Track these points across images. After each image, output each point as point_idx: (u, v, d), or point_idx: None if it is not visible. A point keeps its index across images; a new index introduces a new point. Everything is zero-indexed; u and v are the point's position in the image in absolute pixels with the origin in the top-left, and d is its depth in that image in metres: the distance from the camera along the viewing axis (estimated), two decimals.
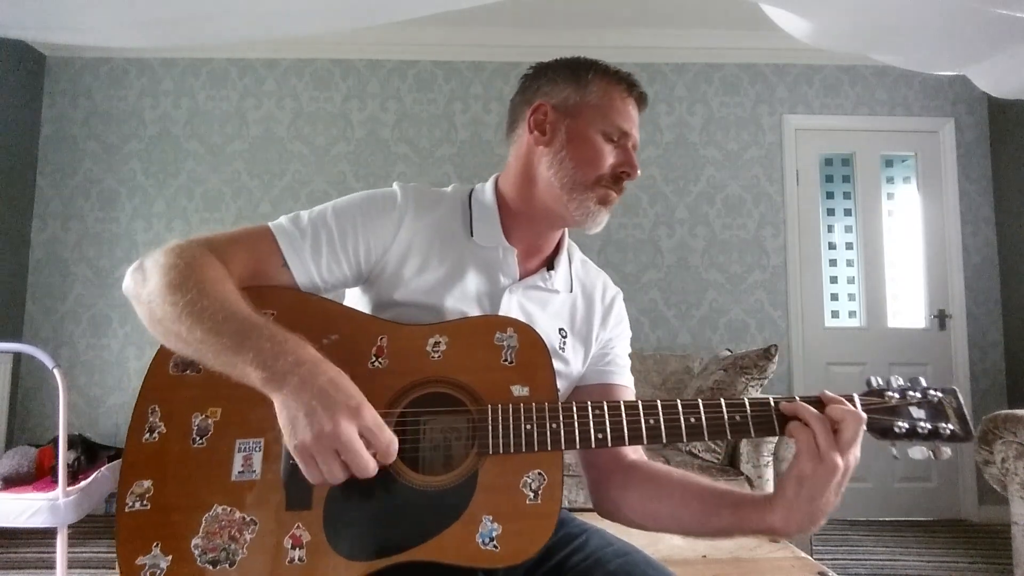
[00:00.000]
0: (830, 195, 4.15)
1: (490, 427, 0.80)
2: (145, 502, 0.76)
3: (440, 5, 2.88)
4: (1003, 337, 3.67)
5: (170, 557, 0.74)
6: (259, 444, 0.79)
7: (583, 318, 1.04)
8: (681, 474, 0.93)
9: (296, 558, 0.75)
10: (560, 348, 0.98)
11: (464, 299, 0.94)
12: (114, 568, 0.73)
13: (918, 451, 0.82)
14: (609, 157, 0.94)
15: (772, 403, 0.82)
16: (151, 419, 0.80)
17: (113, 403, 3.59)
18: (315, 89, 3.82)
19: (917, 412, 0.83)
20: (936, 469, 3.58)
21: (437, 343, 0.85)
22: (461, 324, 0.88)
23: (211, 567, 0.74)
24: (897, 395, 0.84)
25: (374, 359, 0.84)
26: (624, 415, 0.83)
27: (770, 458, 2.54)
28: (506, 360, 0.85)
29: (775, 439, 2.54)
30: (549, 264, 1.02)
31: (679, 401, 0.83)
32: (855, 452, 0.77)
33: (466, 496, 0.78)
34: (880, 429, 0.82)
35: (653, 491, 0.92)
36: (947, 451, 0.82)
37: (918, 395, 0.84)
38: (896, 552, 3.00)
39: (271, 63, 3.81)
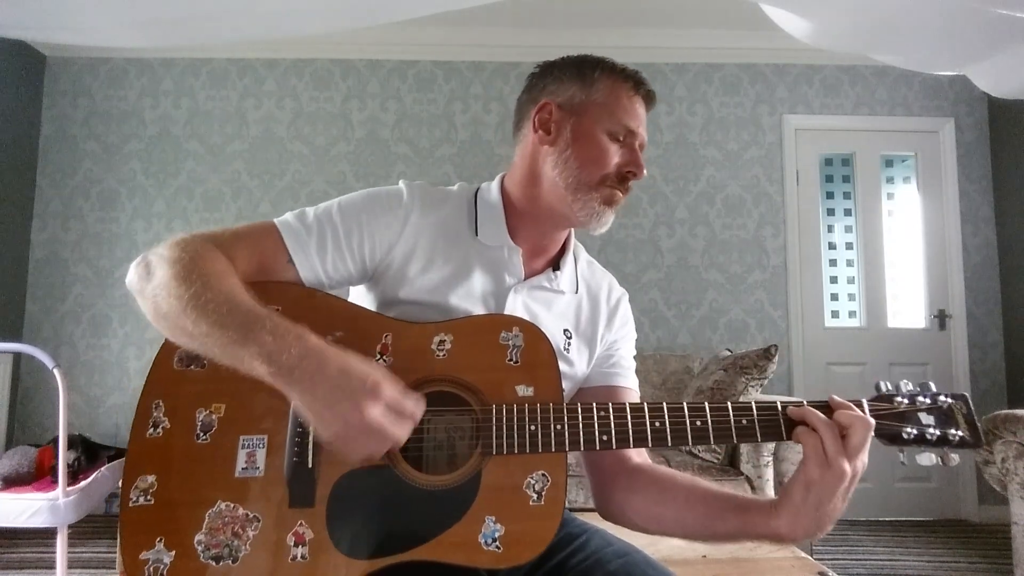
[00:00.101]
0: (830, 195, 4.15)
1: (494, 427, 0.80)
2: (149, 497, 0.76)
3: (440, 5, 2.88)
4: (1003, 337, 3.67)
5: (173, 552, 0.74)
6: (263, 441, 0.79)
7: (588, 319, 1.03)
8: (686, 478, 0.92)
9: (298, 555, 0.75)
10: (565, 349, 0.98)
11: (469, 298, 0.93)
12: (114, 568, 0.73)
13: (926, 457, 0.81)
14: (615, 157, 0.93)
15: (780, 407, 0.81)
16: (155, 414, 0.80)
17: (113, 403, 3.59)
18: (315, 89, 3.82)
19: (926, 418, 0.82)
20: (936, 469, 3.57)
21: (442, 341, 0.85)
22: (466, 323, 0.87)
23: (214, 563, 0.74)
24: (906, 401, 0.83)
25: (379, 357, 0.84)
26: (629, 417, 0.82)
27: (770, 458, 2.53)
28: (511, 360, 0.84)
29: None
30: (555, 264, 1.02)
31: (685, 404, 0.82)
32: (863, 458, 0.76)
33: (469, 496, 0.78)
34: (888, 435, 0.82)
35: (658, 495, 0.91)
36: (955, 458, 0.81)
37: (928, 401, 0.83)
38: (896, 552, 3.00)
39: (271, 63, 3.81)
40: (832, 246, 4.09)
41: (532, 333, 0.86)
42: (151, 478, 0.77)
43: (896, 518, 3.50)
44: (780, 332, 3.68)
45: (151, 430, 0.79)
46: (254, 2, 2.61)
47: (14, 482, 2.41)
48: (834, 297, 4.05)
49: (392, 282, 0.93)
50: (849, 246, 4.05)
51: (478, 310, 0.93)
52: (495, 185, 1.02)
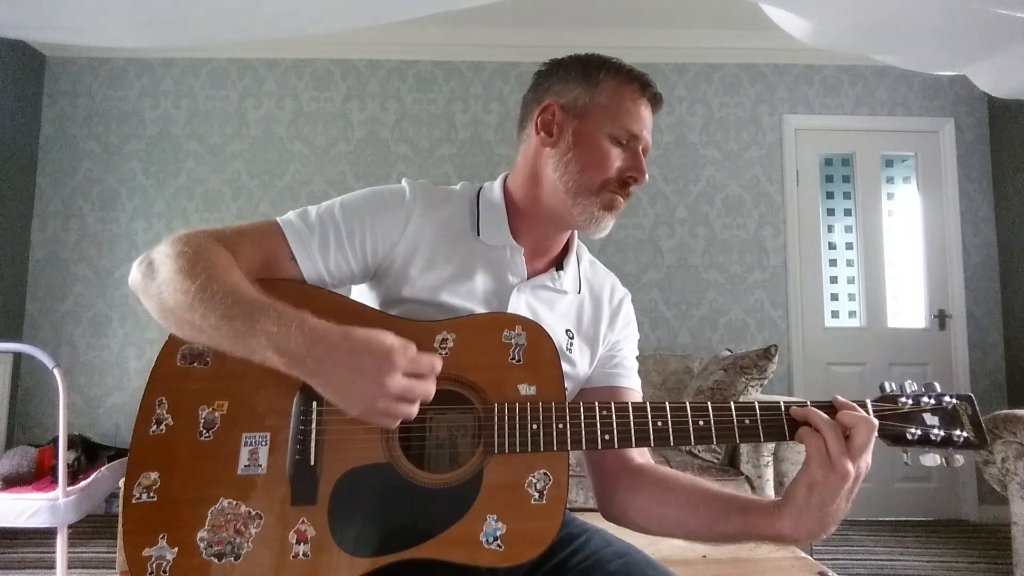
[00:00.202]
0: (830, 195, 4.15)
1: (496, 426, 0.80)
2: (152, 494, 0.76)
3: (440, 5, 2.88)
4: (1003, 337, 3.67)
5: (176, 549, 0.74)
6: (265, 438, 0.79)
7: (590, 319, 1.03)
8: (688, 479, 0.92)
9: (300, 553, 0.75)
10: (567, 349, 0.97)
11: (471, 298, 0.93)
12: (114, 568, 0.73)
13: (930, 458, 0.81)
14: (616, 161, 0.92)
15: (783, 408, 0.81)
16: (158, 411, 0.80)
17: (113, 403, 3.59)
18: (315, 89, 3.82)
19: (930, 419, 0.81)
20: (936, 469, 3.57)
21: (445, 340, 0.85)
22: (469, 321, 0.87)
23: (216, 560, 0.74)
24: (910, 401, 0.83)
25: None
26: (632, 417, 0.82)
27: (770, 458, 2.53)
28: (514, 358, 0.84)
29: None
30: (558, 264, 1.01)
31: (688, 403, 0.82)
32: (867, 459, 0.76)
33: (471, 495, 0.78)
34: (892, 436, 0.81)
35: (660, 496, 0.91)
36: (960, 458, 0.80)
37: (932, 401, 0.82)
38: (896, 552, 3.00)
39: (271, 63, 3.81)
40: (832, 246, 4.09)
41: (535, 332, 0.86)
42: (154, 475, 0.77)
43: (896, 518, 3.50)
44: (780, 332, 3.68)
45: (154, 427, 0.79)
46: (254, 2, 2.61)
47: (14, 482, 2.41)
48: (834, 297, 4.05)
49: (394, 281, 0.93)
50: (849, 246, 4.05)
51: (480, 310, 0.93)
52: (497, 185, 1.02)
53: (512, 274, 0.96)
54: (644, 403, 0.83)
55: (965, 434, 0.80)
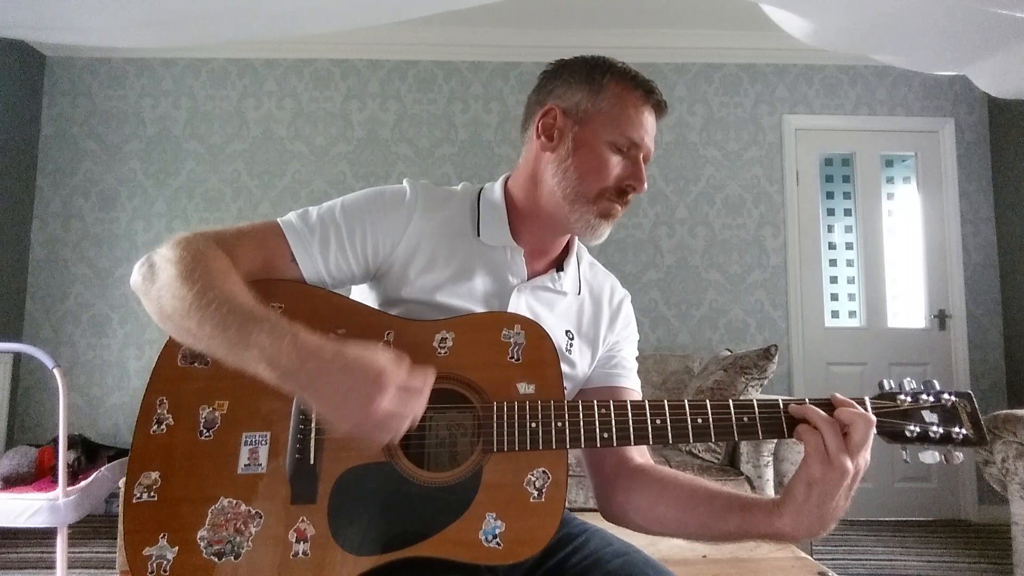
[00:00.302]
0: (830, 195, 4.16)
1: (495, 424, 0.80)
2: (152, 493, 0.77)
3: (440, 5, 2.88)
4: (1003, 337, 3.67)
5: (176, 548, 0.74)
6: (265, 437, 0.79)
7: (590, 320, 1.03)
8: (688, 478, 0.92)
9: (300, 552, 0.75)
10: (567, 350, 0.97)
11: (471, 298, 0.93)
12: (114, 568, 0.73)
13: (929, 455, 0.81)
14: (615, 169, 0.92)
15: (781, 405, 0.81)
16: (159, 411, 0.80)
17: (113, 403, 3.59)
18: (315, 89, 3.82)
19: (929, 416, 0.81)
20: (936, 469, 3.58)
21: (444, 339, 0.85)
22: (468, 320, 0.88)
23: (216, 559, 0.74)
24: (909, 398, 0.83)
25: None
26: (630, 415, 0.82)
27: (770, 458, 2.53)
28: (512, 357, 0.84)
29: (775, 439, 2.54)
30: (558, 266, 1.01)
31: (686, 401, 0.82)
32: (865, 456, 0.76)
33: (470, 493, 0.78)
34: (891, 433, 0.81)
35: (659, 495, 0.91)
36: (959, 456, 0.80)
37: (931, 399, 0.82)
38: (896, 552, 3.00)
39: (271, 63, 3.81)
40: (832, 246, 4.09)
41: (534, 331, 0.86)
42: (154, 475, 0.77)
43: (896, 518, 3.50)
44: (780, 332, 3.68)
45: (155, 427, 0.79)
46: (254, 2, 2.61)
47: (14, 482, 2.41)
48: (834, 297, 4.05)
49: (394, 281, 0.93)
50: (849, 246, 4.05)
51: (480, 310, 0.93)
52: (498, 186, 1.02)
53: (512, 275, 0.96)
54: (643, 401, 0.83)
55: (964, 431, 0.80)
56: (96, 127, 3.75)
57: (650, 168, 3.81)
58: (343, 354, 0.72)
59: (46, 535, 2.71)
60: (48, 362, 2.16)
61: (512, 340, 0.85)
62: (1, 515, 2.16)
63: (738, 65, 3.85)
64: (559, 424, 0.81)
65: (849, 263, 4.05)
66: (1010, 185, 3.66)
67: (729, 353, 2.98)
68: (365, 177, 3.75)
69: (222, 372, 0.77)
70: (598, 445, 0.81)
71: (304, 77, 3.82)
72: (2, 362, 3.38)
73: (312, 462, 0.78)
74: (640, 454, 0.99)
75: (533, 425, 0.80)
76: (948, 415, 0.81)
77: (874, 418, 0.77)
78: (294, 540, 0.75)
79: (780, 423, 0.81)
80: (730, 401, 0.82)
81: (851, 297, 4.04)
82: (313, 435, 0.78)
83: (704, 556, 1.43)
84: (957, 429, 0.81)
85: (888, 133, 3.84)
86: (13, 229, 3.56)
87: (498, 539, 0.76)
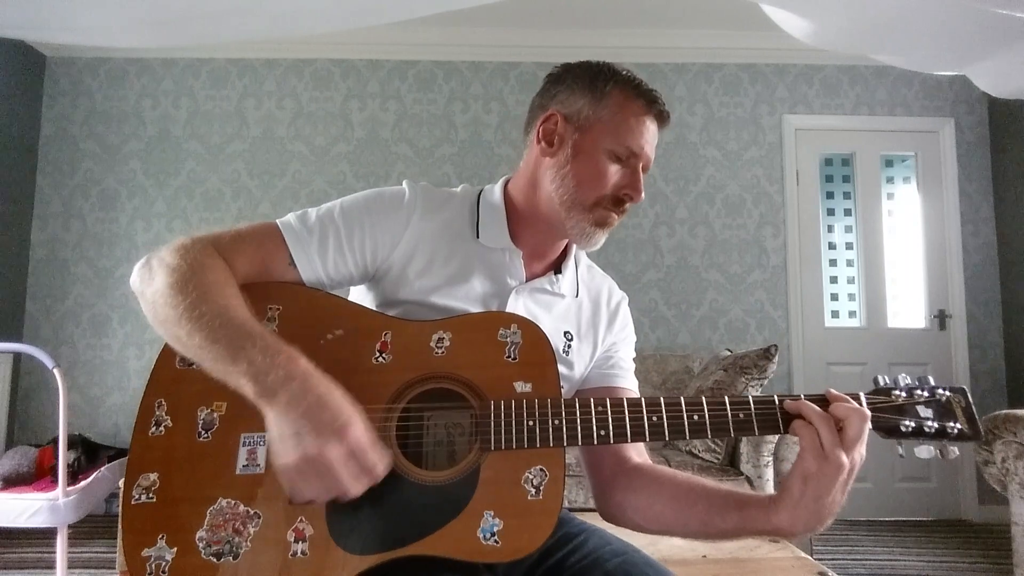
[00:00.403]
0: (830, 195, 4.16)
1: (492, 423, 0.80)
2: (151, 495, 0.77)
3: (440, 5, 2.88)
4: (1003, 337, 3.67)
5: (175, 549, 0.74)
6: (263, 438, 0.79)
7: (588, 322, 1.03)
8: (686, 476, 0.93)
9: (299, 551, 0.75)
10: (564, 351, 0.98)
11: (470, 300, 0.93)
12: (114, 568, 0.73)
13: (925, 450, 0.81)
14: (613, 178, 0.92)
15: (776, 401, 0.82)
16: (157, 412, 0.80)
17: (113, 403, 3.59)
18: (315, 89, 3.82)
19: (924, 411, 0.82)
20: (936, 469, 3.58)
21: (441, 339, 0.85)
22: (465, 320, 0.88)
23: (215, 559, 0.74)
24: (904, 394, 0.83)
25: (378, 354, 0.84)
26: (627, 412, 0.82)
27: (770, 458, 2.54)
28: (509, 356, 0.85)
29: (775, 439, 2.54)
30: (556, 268, 1.02)
31: (682, 398, 0.83)
32: (860, 450, 0.76)
33: (468, 491, 0.78)
34: (886, 428, 0.82)
35: (657, 494, 0.91)
36: (954, 450, 0.81)
37: (925, 394, 0.83)
38: (896, 552, 3.00)
39: (271, 63, 3.81)
40: (832, 246, 4.09)
41: (530, 330, 0.86)
42: (153, 476, 0.78)
43: (896, 518, 3.50)
44: (780, 332, 3.68)
45: (153, 428, 0.80)
46: (254, 2, 2.61)
47: (14, 482, 2.42)
48: (834, 297, 4.05)
49: (393, 282, 0.93)
50: (849, 246, 4.05)
51: (479, 311, 0.93)
52: (498, 188, 1.02)
53: (511, 277, 0.96)
54: (639, 398, 0.84)
55: (959, 426, 0.81)
56: (96, 127, 3.75)
57: (650, 168, 3.79)
58: (329, 389, 0.72)
59: (46, 535, 2.71)
60: (48, 362, 2.16)
61: (509, 339, 0.85)
62: (1, 515, 2.16)
63: (738, 65, 3.85)
64: (556, 422, 0.81)
65: (849, 263, 4.05)
66: (1010, 185, 3.66)
67: (729, 353, 2.98)
68: (365, 177, 3.75)
69: None
70: (595, 442, 0.81)
71: (304, 77, 3.82)
72: (2, 362, 3.39)
73: None
74: (638, 453, 0.99)
75: (530, 423, 0.80)
76: (943, 410, 0.82)
77: (868, 413, 0.77)
78: (293, 540, 0.75)
79: (776, 419, 0.81)
80: (726, 398, 0.83)
81: (851, 297, 4.04)
82: None
83: (704, 556, 1.42)
84: (952, 424, 0.81)
85: (888, 133, 3.84)
86: (13, 229, 3.56)
87: (496, 537, 0.76)
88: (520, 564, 0.90)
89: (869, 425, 0.77)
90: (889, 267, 3.80)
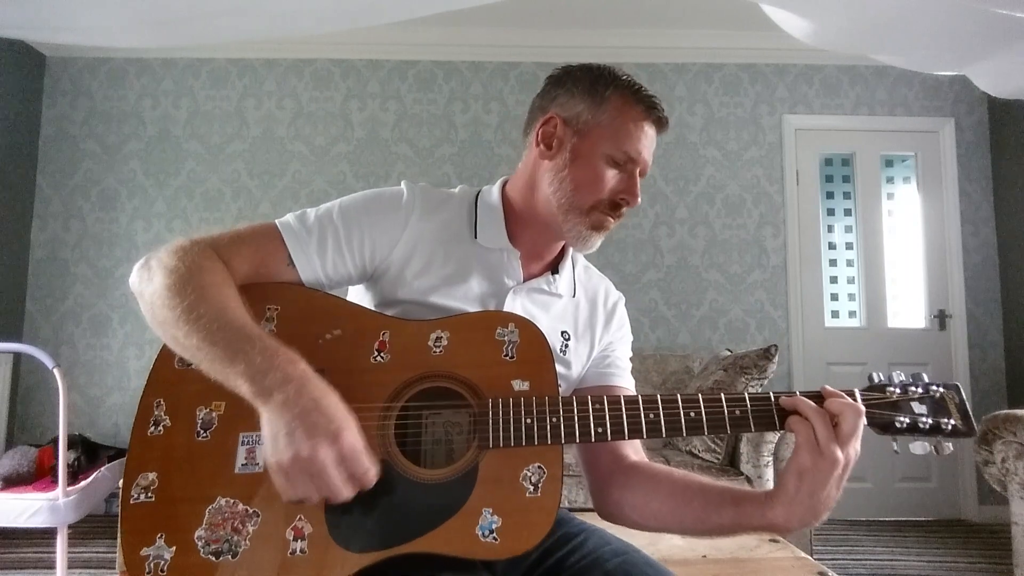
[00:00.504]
0: (830, 195, 4.15)
1: (490, 421, 0.81)
2: (150, 494, 0.77)
3: (440, 5, 2.88)
4: (1003, 337, 3.67)
5: (173, 548, 0.75)
6: (262, 437, 0.79)
7: (586, 322, 1.04)
8: (682, 473, 0.93)
9: (298, 549, 0.75)
10: (562, 351, 0.99)
11: (467, 300, 0.94)
12: (114, 568, 0.73)
13: (919, 446, 0.82)
14: (610, 183, 0.93)
15: (772, 398, 0.83)
16: (156, 412, 0.81)
17: (113, 403, 3.59)
18: (315, 89, 3.82)
19: (919, 407, 0.83)
20: (936, 469, 3.57)
21: (439, 338, 0.86)
22: (462, 320, 0.88)
23: (214, 558, 0.74)
24: (898, 390, 0.84)
25: (376, 354, 0.85)
26: (624, 409, 0.83)
27: (770, 458, 2.53)
28: (507, 355, 0.85)
29: (775, 439, 2.54)
30: (553, 268, 1.03)
31: (679, 395, 0.83)
32: (855, 446, 0.76)
33: (466, 489, 0.78)
34: (881, 424, 0.83)
35: (654, 491, 0.92)
36: (949, 446, 0.82)
37: (920, 390, 0.84)
38: (896, 552, 3.00)
39: (271, 63, 3.81)
40: (832, 246, 4.09)
41: (527, 329, 0.87)
42: (152, 475, 0.78)
43: (896, 518, 3.50)
44: (780, 332, 3.68)
45: (152, 428, 0.80)
46: (254, 2, 2.61)
47: (14, 482, 2.42)
48: (834, 297, 4.05)
49: (391, 283, 0.94)
50: (849, 246, 4.05)
51: (476, 311, 0.93)
52: (496, 188, 1.03)
53: (508, 277, 0.97)
54: (636, 396, 0.84)
55: (953, 422, 0.82)
56: (96, 127, 3.75)
57: (650, 168, 3.78)
58: (326, 393, 0.73)
59: (46, 535, 2.71)
60: (48, 362, 2.17)
61: (506, 338, 0.86)
62: (1, 515, 2.16)
63: (738, 65, 3.85)
64: (554, 419, 0.81)
65: (849, 263, 4.05)
66: (1010, 185, 3.66)
67: (729, 353, 2.98)
68: (365, 177, 3.75)
69: None
70: (592, 440, 0.82)
71: (304, 77, 3.82)
72: (2, 362, 3.39)
73: None
74: (635, 451, 1.00)
75: (528, 421, 0.81)
76: (937, 406, 0.83)
77: (863, 408, 0.78)
78: (292, 538, 0.75)
79: (772, 415, 0.82)
80: (722, 395, 0.83)
81: (851, 297, 4.03)
82: None
83: (704, 556, 1.42)
84: (946, 420, 0.82)
85: (888, 133, 3.84)
86: (13, 229, 3.57)
87: (495, 534, 0.77)
88: (519, 564, 0.90)
89: (864, 421, 0.78)
90: (889, 267, 3.80)
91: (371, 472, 0.73)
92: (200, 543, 0.75)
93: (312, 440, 0.69)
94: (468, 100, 3.83)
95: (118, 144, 3.75)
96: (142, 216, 3.71)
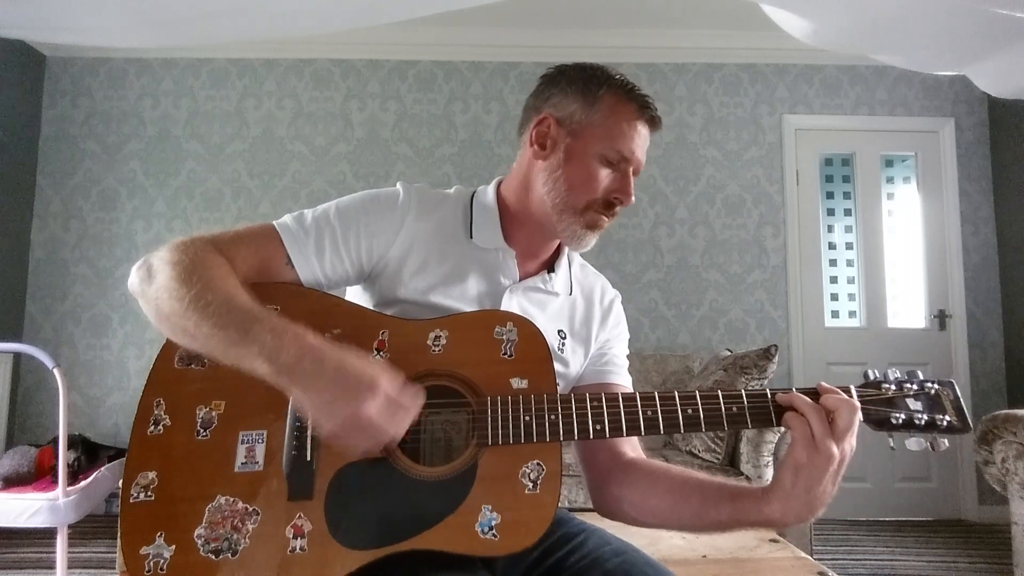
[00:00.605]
0: (830, 195, 4.15)
1: (489, 419, 0.81)
2: (150, 493, 0.77)
3: (440, 5, 2.88)
4: (1003, 337, 3.67)
5: (173, 547, 0.75)
6: (262, 436, 0.80)
7: (582, 320, 1.05)
8: (679, 470, 0.94)
9: (298, 547, 0.75)
10: (559, 349, 0.99)
11: (464, 299, 0.95)
12: (114, 568, 0.74)
13: (915, 442, 0.83)
14: (604, 182, 0.94)
15: (769, 394, 0.83)
16: (156, 412, 0.81)
17: (113, 403, 3.59)
18: (315, 89, 3.82)
19: (914, 404, 0.84)
20: (936, 469, 3.57)
21: (437, 337, 0.86)
22: (461, 318, 0.89)
23: (213, 557, 0.74)
24: (893, 387, 0.85)
25: (376, 353, 0.85)
26: (622, 407, 0.83)
27: (770, 458, 2.53)
28: (505, 353, 0.86)
29: (775, 439, 2.54)
30: (549, 267, 1.03)
31: (676, 393, 0.84)
32: (851, 441, 0.77)
33: (466, 486, 0.79)
34: (876, 420, 0.83)
35: (652, 486, 0.92)
36: (944, 443, 0.82)
37: (915, 387, 0.85)
38: (896, 552, 3.00)
39: (271, 63, 3.82)
40: (832, 246, 4.09)
41: (526, 328, 0.87)
42: (152, 474, 0.78)
43: (896, 518, 3.50)
44: (780, 332, 3.68)
45: (152, 427, 0.80)
46: (254, 2, 2.62)
47: (14, 482, 2.42)
48: (834, 297, 4.05)
49: (388, 283, 0.94)
50: (849, 246, 4.05)
51: (474, 310, 0.94)
52: (491, 189, 1.04)
53: (504, 276, 0.98)
54: (634, 393, 0.85)
55: (948, 419, 0.83)
56: (96, 127, 3.76)
57: (650, 168, 3.81)
58: (341, 355, 0.74)
59: (46, 535, 2.71)
60: (48, 362, 2.17)
61: (505, 337, 0.87)
62: (1, 515, 2.16)
63: (738, 65, 3.85)
64: (552, 417, 0.82)
65: (849, 263, 4.05)
66: (1010, 185, 3.66)
67: (729, 353, 2.98)
68: (365, 177, 3.75)
69: (219, 373, 0.78)
70: (591, 437, 0.82)
71: (304, 77, 3.82)
72: (2, 362, 3.39)
73: (309, 459, 0.79)
74: (632, 448, 1.00)
75: (527, 418, 0.81)
76: (932, 403, 0.84)
77: (858, 404, 0.79)
78: (291, 536, 0.75)
79: (768, 411, 0.83)
80: (719, 391, 0.84)
81: (851, 297, 4.03)
82: (310, 432, 0.79)
83: (704, 556, 1.42)
84: (941, 416, 0.83)
85: (888, 133, 3.84)
86: (13, 229, 3.57)
87: (494, 531, 0.77)
88: (519, 563, 0.91)
89: (859, 416, 0.78)
90: (889, 267, 3.80)
91: (418, 401, 0.77)
92: (200, 541, 0.75)
93: (353, 402, 0.71)
94: (468, 100, 3.83)
95: (118, 144, 3.75)
96: (142, 216, 3.71)
